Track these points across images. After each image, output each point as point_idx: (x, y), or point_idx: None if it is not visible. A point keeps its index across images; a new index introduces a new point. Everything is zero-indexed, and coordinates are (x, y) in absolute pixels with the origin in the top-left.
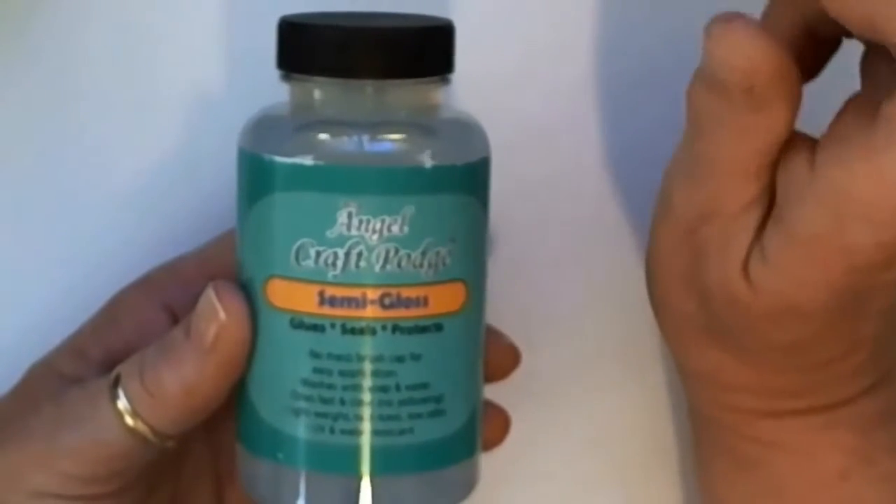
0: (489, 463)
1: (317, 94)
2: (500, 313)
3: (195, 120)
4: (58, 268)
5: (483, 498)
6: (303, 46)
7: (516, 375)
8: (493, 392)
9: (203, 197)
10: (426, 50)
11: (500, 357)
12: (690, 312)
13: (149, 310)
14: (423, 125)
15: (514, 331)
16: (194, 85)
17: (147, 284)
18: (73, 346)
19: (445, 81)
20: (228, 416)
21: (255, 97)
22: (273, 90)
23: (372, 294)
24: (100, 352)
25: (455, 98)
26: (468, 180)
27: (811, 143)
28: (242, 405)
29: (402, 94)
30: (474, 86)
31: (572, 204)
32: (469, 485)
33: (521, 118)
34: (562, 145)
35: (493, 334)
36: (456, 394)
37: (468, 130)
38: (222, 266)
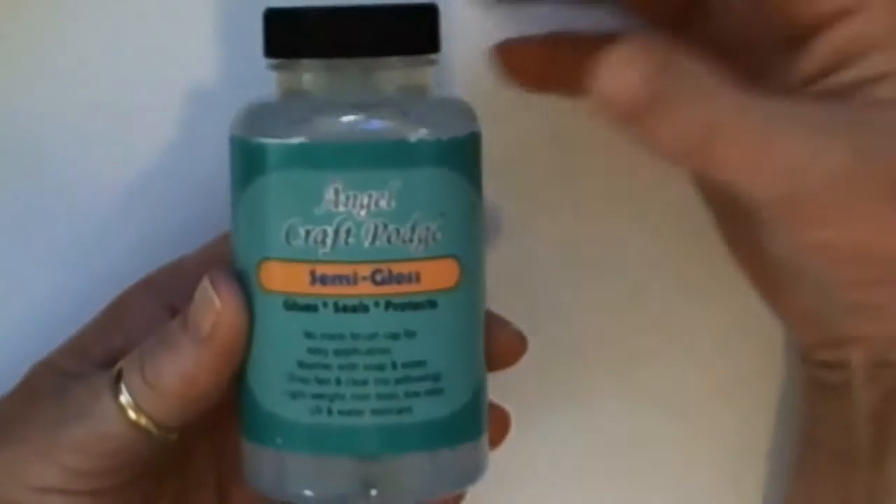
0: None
1: (303, 77)
2: (505, 306)
3: (192, 117)
4: (56, 266)
5: (486, 493)
6: (287, 31)
7: (519, 367)
8: (494, 385)
9: (201, 194)
10: (410, 28)
11: (506, 344)
12: None
13: (151, 310)
14: (409, 102)
15: (519, 322)
16: (191, 82)
17: (149, 285)
18: (76, 346)
19: (431, 62)
20: (231, 414)
21: (250, 91)
22: (268, 85)
23: (363, 270)
24: (102, 352)
25: (448, 85)
26: (454, 155)
27: None
28: (242, 394)
29: (388, 73)
30: (474, 81)
31: (574, 198)
32: (476, 469)
33: (524, 114)
34: (564, 140)
35: (499, 322)
36: (454, 372)
37: (454, 107)
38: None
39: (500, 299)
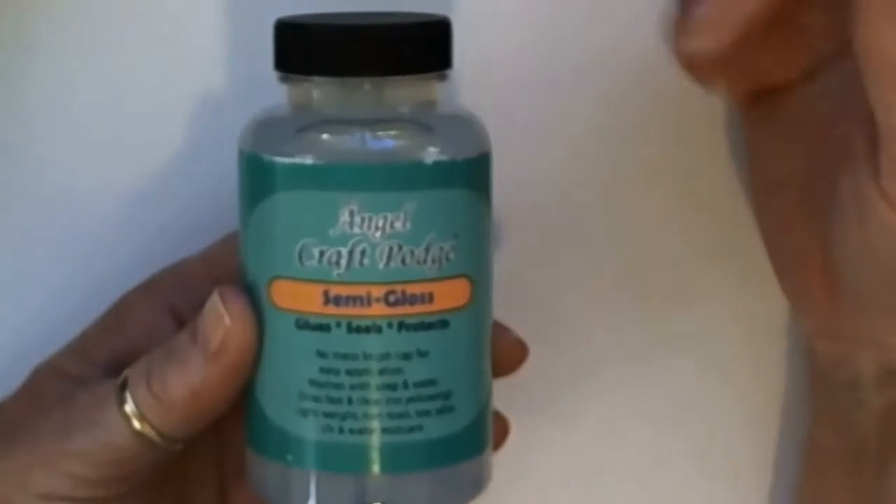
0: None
1: (315, 93)
2: (504, 310)
3: (196, 122)
4: (58, 268)
5: (486, 494)
6: (299, 47)
7: (520, 373)
8: (496, 389)
9: (204, 198)
10: (423, 46)
11: (507, 352)
12: None
13: (154, 313)
14: (423, 121)
15: (517, 328)
16: (195, 87)
17: (152, 287)
18: (78, 348)
19: (443, 77)
20: (233, 416)
21: (256, 99)
22: (274, 91)
23: (377, 292)
24: (105, 354)
25: (456, 97)
26: (469, 175)
27: None
28: (250, 407)
29: (400, 90)
30: (475, 84)
31: (574, 200)
32: (480, 483)
33: (523, 116)
34: (563, 142)
35: (500, 329)
36: (464, 390)
37: (468, 125)
38: (227, 268)
39: (500, 301)
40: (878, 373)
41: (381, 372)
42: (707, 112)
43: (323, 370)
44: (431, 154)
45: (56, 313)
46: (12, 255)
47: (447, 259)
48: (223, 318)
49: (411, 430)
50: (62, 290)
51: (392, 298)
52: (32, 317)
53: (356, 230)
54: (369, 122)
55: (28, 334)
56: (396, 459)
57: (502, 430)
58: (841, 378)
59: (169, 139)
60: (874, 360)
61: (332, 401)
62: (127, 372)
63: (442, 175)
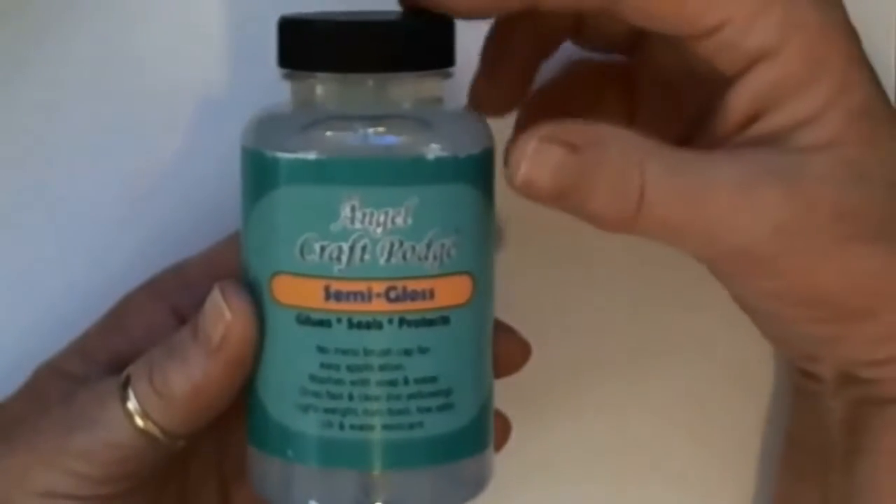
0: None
1: (318, 90)
2: (505, 310)
3: (198, 121)
4: (58, 267)
5: (485, 496)
6: (302, 43)
7: (522, 373)
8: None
9: (206, 198)
10: (425, 43)
11: (511, 352)
12: None
13: (156, 313)
14: (425, 117)
15: (518, 328)
16: (197, 86)
17: (154, 288)
18: (80, 349)
19: (446, 75)
20: (235, 415)
21: (259, 98)
22: (276, 90)
23: (378, 287)
24: (107, 355)
25: (461, 95)
26: (471, 171)
27: None
28: (251, 404)
29: (403, 87)
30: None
31: None
32: (481, 481)
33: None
34: None
35: (503, 329)
36: (465, 387)
37: (470, 122)
38: (229, 268)
39: (500, 304)
40: (835, 382)
41: (382, 368)
42: None
43: (324, 366)
44: (433, 150)
45: (58, 314)
46: (14, 256)
47: (448, 255)
48: (224, 314)
49: (412, 426)
50: (64, 291)
51: (393, 294)
52: (34, 317)
53: (357, 225)
54: (372, 119)
55: (30, 335)
56: (397, 456)
57: (504, 430)
58: (812, 388)
59: (170, 138)
60: (832, 371)
61: (333, 396)
62: (129, 369)
63: (444, 171)
